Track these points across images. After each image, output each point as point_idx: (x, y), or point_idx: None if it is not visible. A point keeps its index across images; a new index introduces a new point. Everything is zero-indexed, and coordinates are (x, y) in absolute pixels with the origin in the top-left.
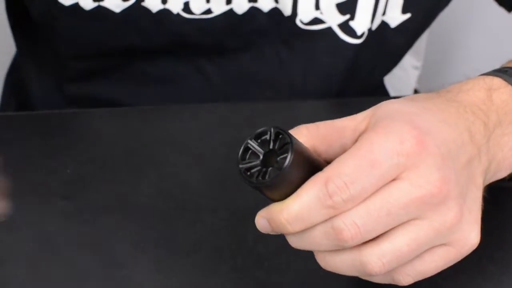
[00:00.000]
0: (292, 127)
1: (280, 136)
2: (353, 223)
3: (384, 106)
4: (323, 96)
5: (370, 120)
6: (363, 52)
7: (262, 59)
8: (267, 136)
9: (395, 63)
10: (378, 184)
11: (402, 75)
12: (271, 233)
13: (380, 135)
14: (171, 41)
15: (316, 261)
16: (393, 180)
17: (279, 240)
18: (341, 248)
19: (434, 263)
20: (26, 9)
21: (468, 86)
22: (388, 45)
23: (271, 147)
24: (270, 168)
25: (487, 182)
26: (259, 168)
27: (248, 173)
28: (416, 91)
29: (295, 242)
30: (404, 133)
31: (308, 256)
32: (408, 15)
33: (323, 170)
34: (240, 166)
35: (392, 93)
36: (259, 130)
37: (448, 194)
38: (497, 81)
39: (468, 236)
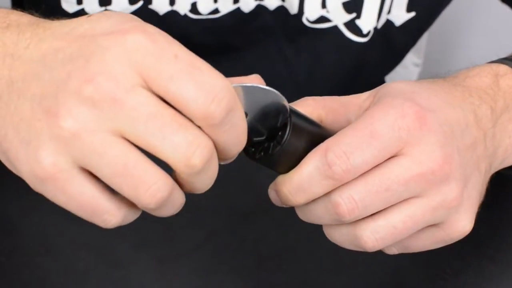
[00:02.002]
0: None
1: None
2: (351, 198)
3: (387, 86)
4: (328, 94)
5: (373, 99)
6: (368, 50)
7: (267, 57)
8: (272, 110)
9: (399, 61)
10: (379, 157)
11: (403, 72)
12: (283, 206)
13: (381, 110)
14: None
15: (316, 261)
16: (394, 156)
17: (279, 240)
18: (340, 223)
19: (421, 241)
20: None
21: (474, 72)
22: (393, 43)
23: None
24: (272, 143)
25: (495, 170)
26: (264, 144)
27: (253, 149)
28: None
29: (302, 215)
30: (405, 108)
31: (308, 256)
32: (412, 14)
33: (324, 142)
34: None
35: None
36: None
37: (449, 173)
38: (504, 68)
39: (461, 222)
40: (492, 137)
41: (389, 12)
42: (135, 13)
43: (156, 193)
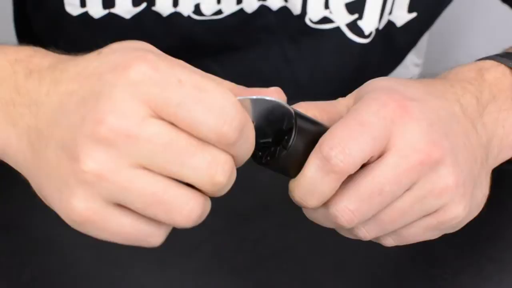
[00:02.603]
0: None
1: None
2: (346, 209)
3: (368, 84)
4: (329, 95)
5: (356, 96)
6: (370, 51)
7: (269, 58)
8: (279, 110)
9: (399, 61)
10: (373, 146)
11: (404, 72)
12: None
13: (364, 103)
14: (179, 42)
15: (316, 261)
16: (382, 155)
17: (279, 240)
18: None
19: (413, 229)
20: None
21: (457, 69)
22: (394, 44)
23: (280, 126)
24: (278, 148)
25: (494, 161)
26: (271, 148)
27: (260, 153)
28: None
29: (309, 218)
30: (385, 99)
31: (308, 256)
32: (414, 14)
33: (319, 140)
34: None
35: None
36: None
37: (439, 160)
38: (489, 62)
39: (454, 209)
40: (482, 126)
41: (390, 12)
42: (139, 14)
43: (191, 214)
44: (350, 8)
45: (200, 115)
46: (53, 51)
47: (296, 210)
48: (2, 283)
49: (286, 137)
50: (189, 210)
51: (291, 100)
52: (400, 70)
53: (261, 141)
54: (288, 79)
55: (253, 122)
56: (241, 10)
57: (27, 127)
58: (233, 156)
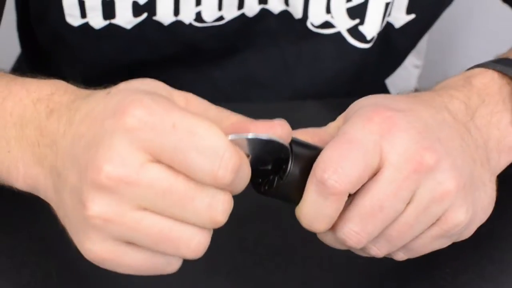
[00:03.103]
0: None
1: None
2: (351, 231)
3: (355, 103)
4: (328, 99)
5: (345, 117)
6: (369, 55)
7: (269, 62)
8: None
9: (398, 63)
10: (365, 162)
11: (403, 74)
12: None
13: (350, 123)
14: (181, 50)
15: (316, 261)
16: (377, 172)
17: (279, 240)
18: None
19: (421, 240)
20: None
21: (445, 81)
22: (393, 46)
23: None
24: (276, 177)
25: (497, 165)
26: (270, 176)
27: (260, 179)
28: (416, 91)
29: (325, 242)
30: (370, 114)
31: (308, 256)
32: (412, 16)
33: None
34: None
35: (393, 92)
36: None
37: (434, 164)
38: (477, 70)
39: (455, 213)
40: (476, 129)
41: (389, 14)
42: (140, 24)
43: (198, 247)
44: (352, 13)
45: (195, 160)
46: (73, 83)
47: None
48: (2, 283)
49: (283, 166)
50: (196, 243)
51: (289, 105)
52: (400, 71)
53: (260, 168)
54: (287, 83)
55: (248, 156)
56: (242, 14)
57: (50, 168)
58: (230, 191)
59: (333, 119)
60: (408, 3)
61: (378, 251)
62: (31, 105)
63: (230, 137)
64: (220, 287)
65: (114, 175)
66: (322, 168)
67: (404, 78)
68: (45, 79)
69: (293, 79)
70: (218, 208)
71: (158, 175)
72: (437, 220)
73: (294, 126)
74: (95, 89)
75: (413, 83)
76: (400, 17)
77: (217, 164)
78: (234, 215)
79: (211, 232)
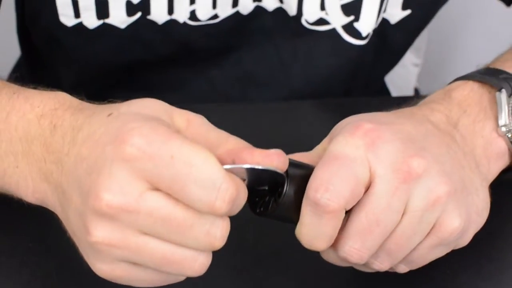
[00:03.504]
0: (291, 127)
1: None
2: (352, 249)
3: (340, 123)
4: (324, 97)
5: (330, 138)
6: (366, 51)
7: (263, 60)
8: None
9: (396, 61)
10: (355, 175)
11: (403, 73)
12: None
13: (334, 141)
14: (176, 49)
15: (316, 261)
16: (369, 187)
17: (279, 240)
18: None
19: (419, 251)
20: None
21: (427, 97)
22: (389, 42)
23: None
24: (272, 199)
25: (488, 171)
26: (265, 197)
27: (256, 199)
28: (416, 90)
29: (329, 261)
30: (352, 130)
31: (307, 256)
32: (408, 12)
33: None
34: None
35: (392, 91)
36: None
37: (422, 172)
38: (456, 83)
39: (449, 220)
40: (461, 137)
41: (384, 10)
42: (134, 24)
43: (201, 267)
44: (346, 10)
45: (193, 191)
46: (77, 97)
47: None
48: (2, 283)
49: (279, 189)
50: (199, 264)
51: (286, 101)
52: (399, 70)
53: (257, 188)
54: (283, 81)
55: (244, 180)
56: (237, 12)
57: (56, 184)
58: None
59: (331, 119)
60: None
61: (380, 265)
62: (35, 121)
63: (227, 167)
64: (220, 287)
65: (114, 203)
66: (314, 188)
67: (404, 77)
68: (47, 90)
69: (290, 76)
70: (217, 235)
71: (157, 203)
72: (432, 228)
73: (292, 126)
74: (99, 103)
75: (412, 81)
76: (396, 13)
77: (214, 196)
78: (234, 215)
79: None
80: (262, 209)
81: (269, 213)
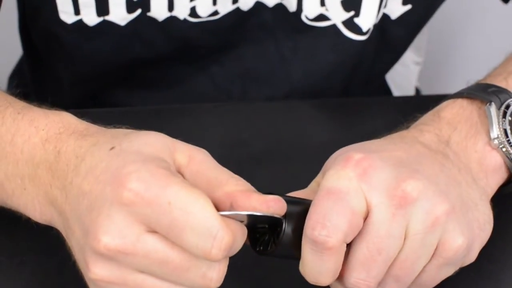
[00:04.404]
0: (292, 127)
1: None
2: (358, 281)
3: (330, 157)
4: (325, 92)
5: (323, 173)
6: (366, 47)
7: (264, 56)
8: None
9: (396, 58)
10: (351, 207)
11: (404, 71)
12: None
13: (327, 175)
14: (177, 46)
15: None
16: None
17: None
18: None
19: (427, 273)
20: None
21: (417, 121)
22: (389, 37)
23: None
24: (271, 239)
25: (487, 186)
26: (265, 236)
27: (257, 235)
28: (417, 89)
29: None
30: (343, 162)
31: None
32: (408, 7)
33: None
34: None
35: (393, 89)
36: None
37: (417, 194)
38: (444, 103)
39: (451, 239)
40: (454, 154)
41: (385, 6)
42: (134, 21)
43: None
44: (346, 5)
45: (189, 238)
46: (81, 118)
47: None
48: (2, 283)
49: (278, 228)
50: None
51: (286, 100)
52: (400, 68)
53: (257, 226)
54: (284, 77)
55: (242, 222)
56: (237, 9)
57: (60, 211)
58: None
59: (331, 119)
60: None
61: None
62: (40, 145)
63: (224, 213)
64: (220, 287)
65: (112, 246)
66: (311, 227)
67: (405, 75)
68: (51, 110)
69: (290, 72)
70: (213, 277)
71: (154, 246)
72: (436, 249)
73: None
74: (105, 126)
75: (413, 80)
76: (396, 8)
77: (210, 244)
78: None
79: None
80: (262, 248)
81: (269, 252)
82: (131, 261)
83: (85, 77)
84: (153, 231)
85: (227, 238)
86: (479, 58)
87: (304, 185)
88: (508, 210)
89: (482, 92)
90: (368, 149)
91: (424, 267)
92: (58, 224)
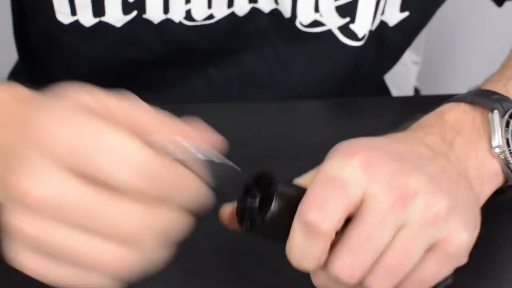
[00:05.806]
0: (291, 127)
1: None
2: (342, 265)
3: (333, 148)
4: (323, 97)
5: (325, 160)
6: (363, 53)
7: (263, 60)
8: (265, 180)
9: (395, 61)
10: (349, 197)
11: (402, 71)
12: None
13: (330, 160)
14: (173, 49)
15: None
16: (361, 205)
17: None
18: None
19: (427, 269)
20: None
21: (419, 120)
22: (387, 44)
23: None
24: (259, 216)
25: (481, 192)
26: (255, 212)
27: (247, 211)
28: (416, 88)
29: (322, 287)
30: (350, 152)
31: None
32: (406, 14)
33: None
34: (238, 206)
35: (392, 89)
36: (259, 172)
37: (419, 189)
38: (448, 105)
39: (455, 234)
40: (456, 158)
41: (382, 13)
42: (130, 23)
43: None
44: (341, 12)
45: (104, 164)
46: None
47: None
48: (2, 283)
49: (268, 205)
50: (117, 265)
51: (285, 101)
52: (399, 68)
53: (248, 200)
54: (282, 82)
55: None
56: (233, 13)
57: None
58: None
59: (331, 119)
60: (401, 1)
61: (381, 285)
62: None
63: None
64: (220, 287)
65: (38, 195)
66: (307, 208)
67: (403, 75)
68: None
69: (288, 77)
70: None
71: (77, 189)
72: (439, 243)
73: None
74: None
75: (412, 80)
76: (394, 15)
77: (133, 171)
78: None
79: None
80: (248, 224)
81: (256, 228)
82: (58, 212)
83: (82, 78)
84: (79, 176)
85: (155, 164)
86: (478, 57)
87: None
88: (507, 210)
89: (485, 99)
90: (373, 144)
91: (425, 262)
92: None
